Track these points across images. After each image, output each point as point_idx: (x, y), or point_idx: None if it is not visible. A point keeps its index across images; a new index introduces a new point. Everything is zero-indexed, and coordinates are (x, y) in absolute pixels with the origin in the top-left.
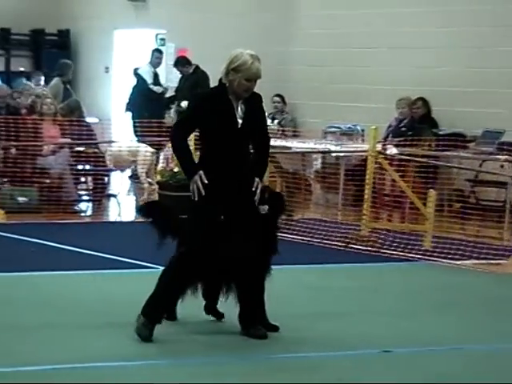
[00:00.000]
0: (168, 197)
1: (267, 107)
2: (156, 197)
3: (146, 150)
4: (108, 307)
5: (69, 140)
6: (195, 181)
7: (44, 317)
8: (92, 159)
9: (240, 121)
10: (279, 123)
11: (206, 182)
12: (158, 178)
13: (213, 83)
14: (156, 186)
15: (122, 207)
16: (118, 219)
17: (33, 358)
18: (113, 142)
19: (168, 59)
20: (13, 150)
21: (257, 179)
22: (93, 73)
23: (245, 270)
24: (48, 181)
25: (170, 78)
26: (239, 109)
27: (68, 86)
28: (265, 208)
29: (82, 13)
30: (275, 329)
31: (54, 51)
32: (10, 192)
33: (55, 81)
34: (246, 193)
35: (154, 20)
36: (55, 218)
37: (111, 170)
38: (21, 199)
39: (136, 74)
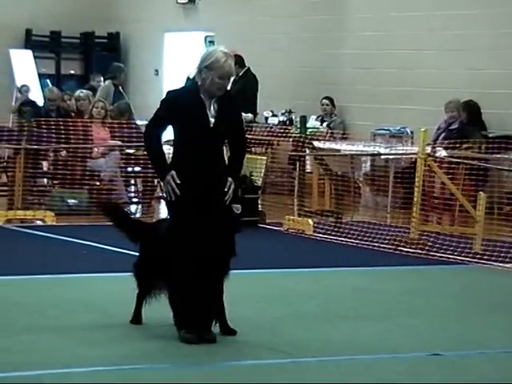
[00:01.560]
0: None
1: (316, 109)
2: None
3: None
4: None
5: (119, 142)
6: (168, 181)
7: (99, 317)
8: (141, 161)
9: (212, 120)
10: (328, 126)
11: (179, 182)
12: None
13: (261, 86)
14: None
15: None
16: None
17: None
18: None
19: None
20: (63, 153)
21: (229, 179)
22: (142, 75)
23: (211, 272)
24: (98, 183)
25: None
26: (212, 108)
27: (120, 89)
28: (238, 207)
29: (132, 16)
30: (233, 333)
31: (104, 54)
32: (60, 194)
33: (106, 83)
34: (218, 193)
35: (203, 22)
36: (105, 221)
37: None
38: (71, 201)
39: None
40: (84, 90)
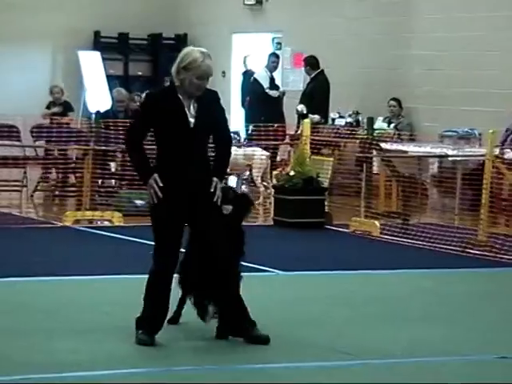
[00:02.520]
0: (284, 200)
1: (383, 111)
2: (272, 201)
3: (261, 153)
4: None
5: None
6: (150, 185)
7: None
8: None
9: (192, 120)
10: (395, 127)
11: (161, 184)
12: (274, 181)
13: (332, 89)
14: (272, 190)
15: None
16: None
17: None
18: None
19: (284, 63)
20: None
21: (215, 179)
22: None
23: (216, 274)
24: None
25: (287, 82)
26: (191, 108)
27: None
28: (228, 208)
29: (200, 17)
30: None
31: (172, 55)
32: (127, 195)
33: None
34: (204, 194)
35: (271, 24)
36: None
37: (228, 174)
38: (138, 202)
39: (251, 77)
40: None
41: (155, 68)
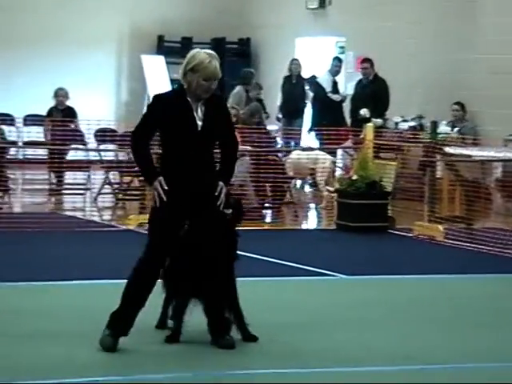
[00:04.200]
0: (347, 204)
1: (447, 114)
2: (335, 205)
3: (324, 157)
4: (279, 313)
5: (249, 148)
6: (155, 187)
7: None
8: (272, 167)
9: (200, 123)
10: (459, 131)
11: (166, 187)
12: (337, 185)
13: (392, 91)
14: (335, 194)
15: (301, 215)
16: (298, 227)
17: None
18: (291, 149)
19: (347, 67)
20: None
21: (220, 183)
22: (273, 81)
23: (209, 277)
24: (228, 188)
25: (349, 86)
26: (199, 111)
27: (250, 95)
28: (228, 212)
29: (263, 21)
30: (254, 339)
31: (235, 60)
32: None
33: (238, 89)
34: (208, 198)
35: (334, 28)
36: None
37: (291, 178)
38: None
39: (313, 81)
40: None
41: None
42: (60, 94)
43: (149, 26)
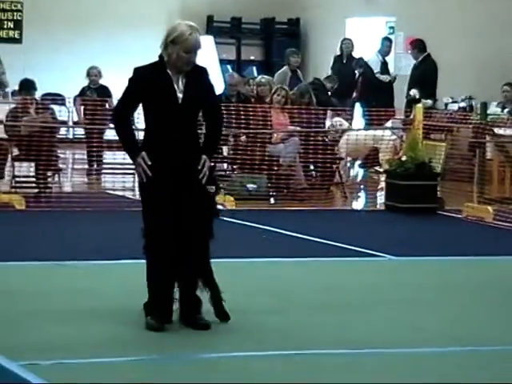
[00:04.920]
0: (396, 186)
1: (497, 96)
2: (383, 185)
3: (390, 136)
4: (330, 294)
5: (298, 128)
6: (138, 163)
7: (277, 301)
8: (320, 147)
9: (180, 95)
10: (509, 112)
11: (150, 163)
12: (386, 166)
13: (442, 72)
14: (383, 175)
15: (352, 195)
16: (347, 207)
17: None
18: (346, 130)
19: (397, 48)
20: (243, 138)
21: (204, 156)
22: (323, 61)
23: (189, 254)
24: (277, 168)
25: (399, 67)
26: (180, 83)
27: (299, 74)
28: (212, 188)
29: (313, 2)
30: (227, 317)
31: (284, 40)
32: (239, 179)
33: (284, 69)
34: (191, 171)
35: (384, 8)
36: (284, 206)
37: (340, 159)
38: (250, 186)
39: (362, 62)
40: (265, 76)
41: (267, 52)
42: (92, 73)
43: (198, 6)
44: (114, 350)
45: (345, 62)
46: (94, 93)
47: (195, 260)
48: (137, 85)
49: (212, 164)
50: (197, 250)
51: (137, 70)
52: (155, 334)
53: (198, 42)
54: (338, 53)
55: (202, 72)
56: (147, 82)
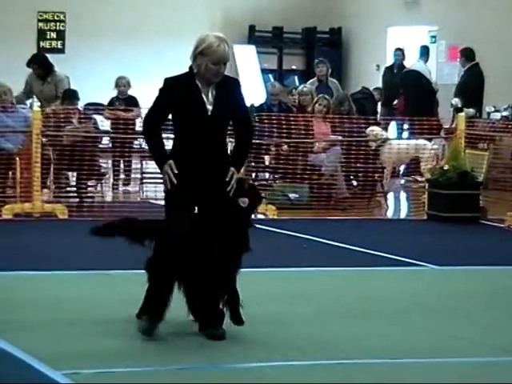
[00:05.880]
0: (438, 195)
1: None
2: (425, 195)
3: (431, 146)
4: (370, 303)
5: (339, 137)
6: (165, 171)
7: (318, 310)
8: (362, 156)
9: (210, 107)
10: None
11: (176, 171)
12: (428, 175)
13: (488, 82)
14: (423, 184)
15: (393, 204)
16: (388, 217)
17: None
18: (387, 139)
19: (439, 56)
20: (285, 147)
21: (232, 169)
22: (363, 70)
23: (213, 265)
24: (319, 178)
25: (441, 76)
26: (209, 95)
27: (330, 83)
28: (245, 201)
29: (354, 11)
30: (240, 322)
31: (326, 49)
32: (281, 188)
33: (312, 79)
34: (219, 183)
35: (426, 17)
36: (326, 215)
37: (382, 168)
38: (292, 195)
39: (411, 71)
40: (307, 85)
41: (309, 62)
42: (121, 84)
43: (240, 15)
44: (157, 358)
45: (395, 71)
46: (122, 103)
47: (219, 272)
48: (166, 95)
49: (241, 176)
50: (220, 263)
51: (167, 81)
52: (196, 342)
53: (226, 53)
54: (389, 63)
55: (233, 84)
56: (177, 93)
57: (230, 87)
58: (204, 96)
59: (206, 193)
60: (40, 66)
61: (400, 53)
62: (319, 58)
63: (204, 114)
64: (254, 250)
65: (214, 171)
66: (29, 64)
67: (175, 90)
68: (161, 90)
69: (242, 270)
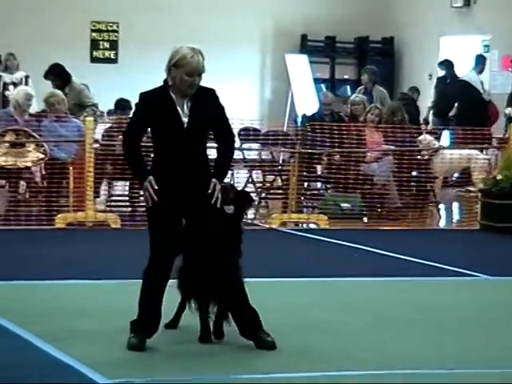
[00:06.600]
0: (491, 205)
1: None
2: (478, 205)
3: (483, 156)
4: (422, 312)
5: (392, 147)
6: (145, 187)
7: (371, 320)
8: (415, 166)
9: (185, 119)
10: None
11: (156, 187)
12: (481, 185)
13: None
14: (477, 194)
15: (445, 214)
16: (440, 226)
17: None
18: (439, 149)
19: (492, 66)
20: (337, 157)
21: (213, 180)
22: (416, 80)
23: (213, 276)
24: (371, 187)
25: (494, 85)
26: (185, 107)
27: (373, 91)
28: (230, 208)
29: (407, 20)
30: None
31: (378, 59)
32: (333, 198)
33: (380, 88)
34: (201, 195)
35: (479, 26)
36: (378, 225)
37: (434, 178)
38: (344, 205)
39: (463, 81)
40: (359, 95)
41: (361, 71)
42: None
43: (292, 25)
44: (210, 367)
45: (448, 81)
46: None
47: (226, 279)
48: (142, 109)
49: (225, 185)
50: (221, 269)
51: (142, 95)
52: (244, 351)
53: (199, 64)
54: (441, 73)
55: (210, 94)
56: (152, 106)
57: (206, 98)
58: (179, 108)
59: (189, 205)
60: (57, 77)
61: (450, 62)
62: (365, 67)
63: (180, 126)
64: (304, 260)
65: (195, 183)
66: (46, 76)
67: (150, 104)
68: (136, 105)
69: (294, 279)
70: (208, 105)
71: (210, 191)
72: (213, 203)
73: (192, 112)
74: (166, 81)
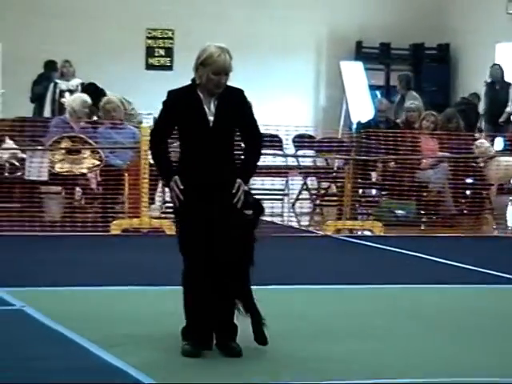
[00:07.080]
0: None
1: None
2: None
3: None
4: (477, 319)
5: (447, 154)
6: (172, 187)
7: (424, 327)
8: (470, 172)
9: (211, 118)
10: None
11: (182, 187)
12: None
13: None
14: None
15: (501, 222)
16: (496, 234)
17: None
18: (494, 156)
19: None
20: (392, 164)
21: (238, 180)
22: (472, 87)
23: (224, 278)
24: (426, 194)
25: None
26: (211, 106)
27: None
28: (249, 213)
29: (462, 27)
30: (264, 342)
31: (433, 65)
32: (388, 205)
33: (414, 94)
34: (224, 195)
35: None
36: (433, 232)
37: (490, 185)
38: (399, 212)
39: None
40: (415, 102)
41: (417, 78)
42: None
43: (347, 31)
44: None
45: (498, 88)
46: None
47: (231, 286)
48: (169, 108)
49: (246, 188)
50: (232, 275)
51: (170, 93)
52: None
53: (226, 63)
54: (489, 79)
55: (237, 94)
56: (179, 105)
57: (233, 98)
58: (206, 107)
59: (213, 205)
60: (91, 95)
61: (498, 67)
62: (399, 73)
63: (206, 125)
64: (358, 267)
65: (220, 182)
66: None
67: (177, 102)
68: (164, 103)
69: (348, 286)
70: (235, 104)
71: (234, 191)
72: (234, 203)
73: (218, 111)
74: (194, 79)
